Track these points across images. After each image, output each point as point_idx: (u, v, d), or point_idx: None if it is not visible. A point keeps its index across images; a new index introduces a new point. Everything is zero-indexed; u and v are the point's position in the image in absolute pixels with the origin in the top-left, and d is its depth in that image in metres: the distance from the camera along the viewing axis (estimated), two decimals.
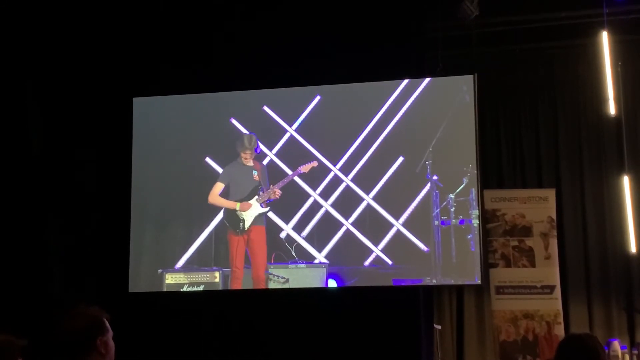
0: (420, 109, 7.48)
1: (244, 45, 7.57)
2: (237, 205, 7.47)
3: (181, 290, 7.52)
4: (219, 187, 7.56)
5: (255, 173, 7.53)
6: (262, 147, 7.62)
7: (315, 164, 7.50)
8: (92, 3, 7.50)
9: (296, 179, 7.53)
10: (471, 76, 7.34)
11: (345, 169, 7.52)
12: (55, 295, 7.29)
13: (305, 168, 7.49)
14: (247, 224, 7.44)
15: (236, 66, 7.62)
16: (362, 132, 7.53)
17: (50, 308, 6.85)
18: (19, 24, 7.48)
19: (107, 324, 2.85)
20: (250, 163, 7.54)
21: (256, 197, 7.46)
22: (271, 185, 7.49)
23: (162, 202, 7.79)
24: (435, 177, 7.30)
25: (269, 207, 7.49)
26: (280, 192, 7.47)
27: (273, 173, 7.59)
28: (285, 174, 7.55)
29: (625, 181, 7.30)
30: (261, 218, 7.49)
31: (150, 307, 7.47)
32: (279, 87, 7.78)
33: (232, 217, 7.49)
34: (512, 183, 7.95)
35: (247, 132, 7.63)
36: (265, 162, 7.64)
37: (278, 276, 7.39)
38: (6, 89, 7.55)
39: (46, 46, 7.62)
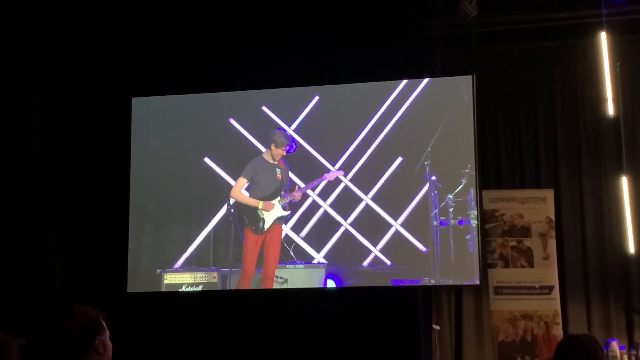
0: (419, 109, 7.48)
1: (243, 45, 7.56)
2: (260, 204, 7.44)
3: (180, 290, 7.51)
4: (242, 182, 7.50)
5: (278, 171, 7.49)
6: (261, 147, 7.62)
7: (341, 172, 7.48)
8: (91, 3, 7.49)
9: (296, 179, 7.52)
10: (470, 76, 7.35)
11: (344, 169, 7.52)
12: (53, 294, 7.28)
13: (330, 176, 7.45)
14: (267, 225, 7.41)
15: (235, 66, 7.61)
16: (360, 132, 7.53)
17: (48, 307, 6.84)
18: (19, 24, 7.47)
19: (104, 323, 2.85)
20: (275, 161, 7.51)
21: (278, 198, 7.43)
22: (297, 187, 7.46)
23: (160, 202, 7.79)
24: (433, 178, 7.30)
25: (290, 211, 7.46)
26: (301, 195, 7.45)
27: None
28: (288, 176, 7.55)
29: (624, 181, 7.30)
30: (281, 219, 7.49)
31: (148, 307, 7.47)
32: (278, 87, 7.78)
33: (252, 215, 7.44)
34: (510, 183, 7.94)
35: (277, 129, 7.58)
36: None
37: (277, 276, 7.39)
38: (6, 89, 7.55)
39: (45, 46, 7.61)
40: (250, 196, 7.49)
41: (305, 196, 7.54)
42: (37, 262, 7.42)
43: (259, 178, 7.50)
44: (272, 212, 7.42)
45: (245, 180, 7.50)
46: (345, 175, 7.50)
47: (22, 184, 7.51)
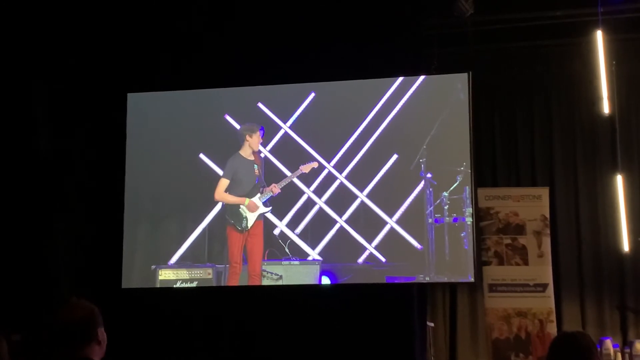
0: (415, 106, 7.49)
1: (238, 42, 7.55)
2: (246, 202, 7.43)
3: (174, 286, 7.51)
4: (224, 183, 7.50)
5: (256, 167, 7.50)
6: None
7: (315, 164, 7.49)
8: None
9: (287, 172, 7.51)
10: (466, 74, 7.36)
11: (340, 166, 7.52)
12: (48, 290, 7.26)
13: (305, 168, 7.46)
14: (250, 223, 7.42)
15: (231, 62, 7.60)
16: (356, 130, 7.53)
17: (43, 303, 6.84)
18: (19, 23, 7.44)
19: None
20: (252, 156, 7.51)
21: (259, 195, 7.43)
22: (273, 184, 7.47)
23: (155, 198, 7.78)
24: (429, 175, 7.30)
25: (270, 207, 7.47)
26: (280, 190, 7.46)
27: (267, 170, 7.58)
28: (280, 171, 7.54)
29: (619, 180, 7.31)
30: (262, 214, 7.49)
31: (143, 303, 7.46)
32: (274, 84, 7.77)
33: (236, 214, 7.45)
34: (506, 181, 7.95)
35: (242, 125, 7.60)
36: None
37: (272, 273, 7.39)
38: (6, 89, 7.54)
39: (42, 42, 7.58)
40: (229, 194, 7.50)
41: (300, 193, 7.54)
42: (32, 258, 7.40)
43: (238, 176, 7.50)
44: (255, 211, 7.43)
45: (228, 181, 7.49)
46: (340, 172, 7.51)
47: (20, 180, 7.49)
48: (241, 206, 7.43)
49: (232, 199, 7.47)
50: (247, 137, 7.49)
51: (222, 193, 7.49)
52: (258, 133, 7.49)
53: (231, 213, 7.46)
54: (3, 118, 7.53)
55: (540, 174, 7.91)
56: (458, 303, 7.87)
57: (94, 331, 2.73)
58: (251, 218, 7.43)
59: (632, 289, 7.54)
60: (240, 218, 7.43)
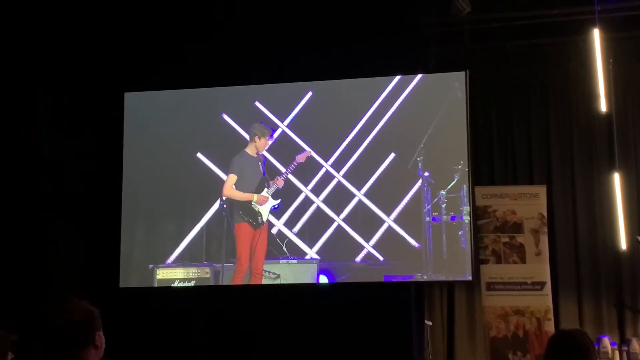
0: (412, 105, 7.49)
1: (236, 41, 7.55)
2: (255, 198, 7.43)
3: (172, 285, 7.51)
4: (233, 178, 7.49)
5: (260, 164, 7.52)
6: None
7: (309, 153, 7.50)
8: None
9: (282, 168, 7.51)
10: (463, 73, 7.37)
11: (337, 165, 7.52)
12: (46, 290, 7.26)
13: (300, 157, 7.47)
14: (264, 218, 7.42)
15: (228, 61, 7.60)
16: (353, 128, 7.53)
17: (41, 303, 6.83)
18: (18, 22, 7.43)
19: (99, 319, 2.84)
20: (256, 155, 7.51)
21: (266, 189, 7.44)
22: (277, 177, 7.47)
23: (153, 198, 7.78)
24: (426, 174, 7.31)
25: (279, 199, 7.47)
26: (283, 182, 7.47)
27: (265, 168, 7.58)
28: (277, 169, 7.55)
29: (616, 178, 7.32)
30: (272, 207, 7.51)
31: (141, 302, 7.46)
32: (271, 83, 7.77)
33: (249, 210, 7.44)
34: (503, 180, 7.95)
35: (256, 123, 7.59)
36: None
37: (269, 272, 7.39)
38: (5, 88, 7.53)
39: (42, 44, 7.57)
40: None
41: (298, 192, 7.54)
42: (31, 258, 7.39)
43: (245, 173, 7.50)
44: (266, 205, 7.44)
45: (236, 177, 7.49)
46: (338, 171, 7.52)
47: (19, 180, 7.48)
48: (252, 202, 7.42)
49: (240, 195, 7.46)
50: (256, 138, 7.46)
51: (231, 189, 7.47)
52: (266, 138, 7.46)
53: (244, 210, 7.44)
54: (2, 118, 7.52)
55: (538, 172, 7.91)
56: (456, 301, 7.87)
57: (92, 335, 2.70)
58: (264, 213, 7.43)
59: (629, 286, 7.55)
60: (255, 214, 7.42)
